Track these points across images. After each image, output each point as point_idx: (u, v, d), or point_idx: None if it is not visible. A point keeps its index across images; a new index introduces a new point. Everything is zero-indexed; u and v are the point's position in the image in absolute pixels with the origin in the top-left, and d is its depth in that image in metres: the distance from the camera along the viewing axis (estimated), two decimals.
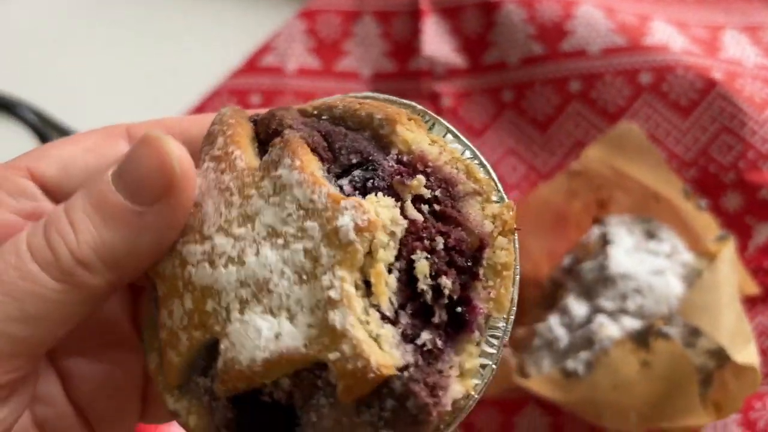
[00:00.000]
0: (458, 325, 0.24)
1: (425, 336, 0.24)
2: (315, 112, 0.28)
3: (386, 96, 0.28)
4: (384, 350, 0.23)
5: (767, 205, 0.52)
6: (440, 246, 0.24)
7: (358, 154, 0.26)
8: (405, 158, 0.26)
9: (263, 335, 0.24)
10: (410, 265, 0.24)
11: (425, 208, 0.25)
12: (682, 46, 0.56)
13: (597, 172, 0.52)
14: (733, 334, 0.41)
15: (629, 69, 0.56)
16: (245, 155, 0.26)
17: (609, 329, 0.44)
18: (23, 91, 0.63)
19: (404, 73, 0.61)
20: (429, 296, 0.24)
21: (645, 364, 0.41)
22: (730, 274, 0.43)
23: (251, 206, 0.25)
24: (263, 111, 0.28)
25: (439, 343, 0.24)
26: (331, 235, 0.24)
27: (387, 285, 0.24)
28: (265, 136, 0.27)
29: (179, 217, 0.25)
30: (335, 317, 0.23)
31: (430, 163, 0.26)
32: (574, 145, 0.57)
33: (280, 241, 0.24)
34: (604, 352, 0.42)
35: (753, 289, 0.48)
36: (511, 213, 0.26)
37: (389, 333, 0.24)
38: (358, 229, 0.23)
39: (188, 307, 0.26)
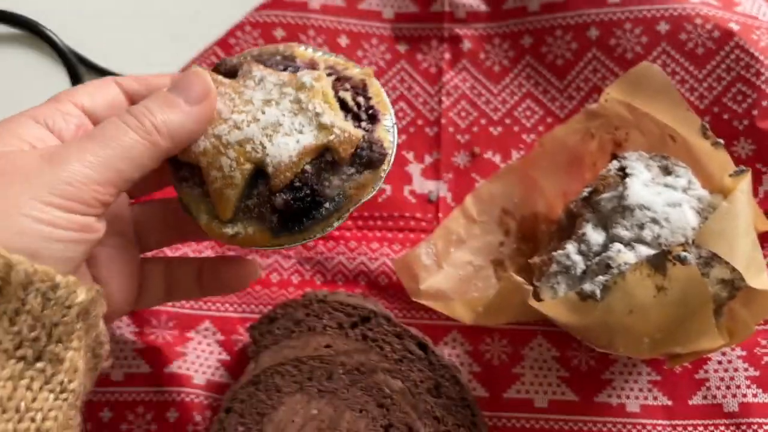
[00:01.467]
0: (374, 119, 0.42)
1: (364, 125, 0.42)
2: (242, 57, 0.44)
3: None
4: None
5: None
6: (348, 87, 0.42)
7: (283, 64, 0.43)
8: (307, 61, 0.44)
9: (290, 145, 0.40)
10: (339, 99, 0.42)
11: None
12: None
13: (615, 112, 0.53)
14: (748, 262, 0.42)
15: (648, 17, 0.57)
16: (225, 82, 0.42)
17: (626, 255, 0.45)
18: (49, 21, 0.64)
19: (426, 15, 0.61)
20: (356, 109, 0.42)
21: (661, 289, 0.42)
22: (747, 205, 0.44)
23: (245, 95, 0.41)
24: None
25: (369, 125, 0.42)
26: (300, 87, 0.41)
27: (333, 101, 0.41)
28: (225, 72, 0.43)
29: (208, 114, 0.40)
30: (326, 119, 0.40)
31: (318, 62, 0.43)
32: (591, 90, 0.58)
33: (273, 103, 0.41)
34: (621, 276, 0.43)
35: (766, 225, 0.49)
36: (371, 69, 0.44)
37: (349, 122, 0.41)
38: (314, 78, 0.41)
39: (233, 156, 0.40)
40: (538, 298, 0.48)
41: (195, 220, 0.42)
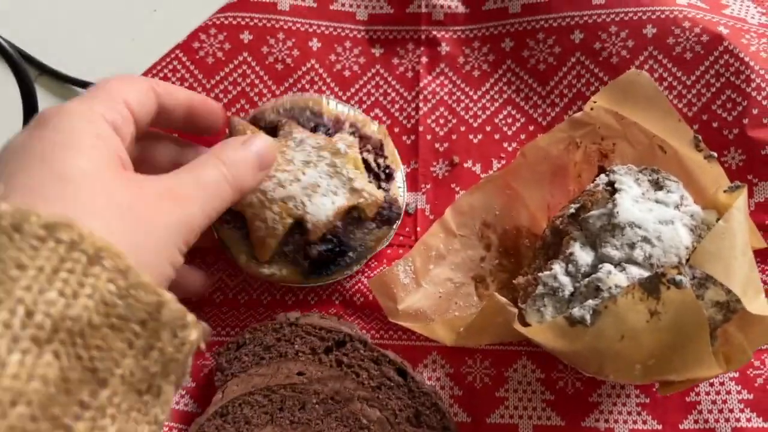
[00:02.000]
0: (390, 178, 0.52)
1: (383, 185, 0.51)
2: (275, 110, 0.51)
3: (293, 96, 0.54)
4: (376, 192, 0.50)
5: None
6: (370, 148, 0.51)
7: (313, 120, 0.51)
8: (332, 117, 0.52)
9: (326, 205, 0.48)
10: (363, 159, 0.51)
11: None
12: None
13: (601, 121, 0.50)
14: (746, 284, 0.40)
15: (634, 20, 0.54)
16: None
17: (617, 278, 0.42)
18: None
19: (402, 16, 0.58)
20: (377, 169, 0.51)
21: (654, 314, 0.40)
22: (744, 223, 0.41)
23: (287, 155, 0.48)
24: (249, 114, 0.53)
25: (386, 185, 0.51)
26: (335, 152, 0.49)
27: (362, 166, 0.50)
28: (264, 128, 0.50)
29: (266, 176, 0.46)
30: (357, 185, 0.49)
31: (342, 120, 0.52)
32: (575, 97, 0.55)
33: (311, 165, 0.48)
34: (612, 300, 0.40)
35: (761, 243, 0.47)
36: (383, 126, 0.54)
37: (374, 185, 0.50)
38: (348, 145, 0.50)
39: (277, 210, 0.47)
40: (523, 321, 0.45)
41: (233, 258, 0.50)
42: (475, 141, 0.56)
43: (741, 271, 0.40)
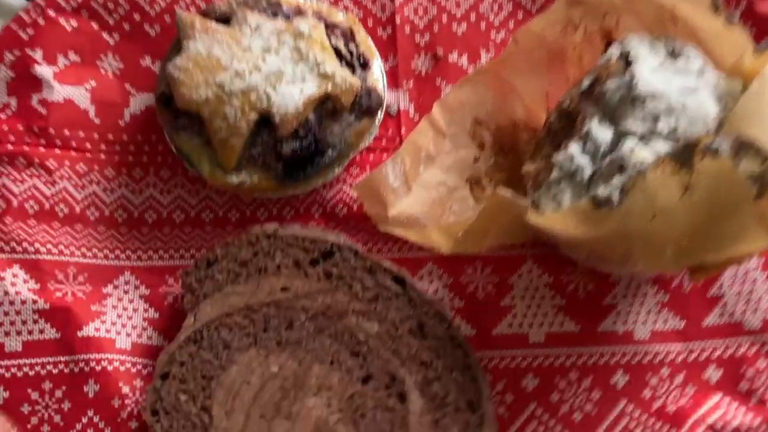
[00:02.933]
0: (365, 66, 0.46)
1: (358, 74, 0.45)
2: (227, 1, 0.45)
3: None
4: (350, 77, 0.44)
5: None
6: (339, 35, 0.45)
7: (271, 9, 0.45)
8: (293, 6, 0.45)
9: (294, 94, 0.42)
10: (333, 47, 0.44)
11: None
12: None
13: None
14: None
15: None
16: (221, 29, 0.43)
17: (642, 153, 0.38)
18: None
19: None
20: (349, 57, 0.45)
21: (688, 188, 0.35)
22: None
23: (243, 43, 0.43)
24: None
25: (362, 73, 0.45)
26: (298, 35, 0.43)
27: (330, 49, 0.44)
28: (217, 19, 0.44)
29: None
30: (327, 69, 0.43)
31: (304, 9, 0.45)
32: None
33: (273, 51, 0.43)
34: (642, 175, 0.36)
35: None
36: (352, 16, 0.47)
37: (347, 70, 0.44)
38: (313, 28, 0.44)
39: (237, 104, 0.42)
40: (538, 211, 0.40)
41: (195, 170, 0.44)
42: (459, 32, 0.51)
43: None
